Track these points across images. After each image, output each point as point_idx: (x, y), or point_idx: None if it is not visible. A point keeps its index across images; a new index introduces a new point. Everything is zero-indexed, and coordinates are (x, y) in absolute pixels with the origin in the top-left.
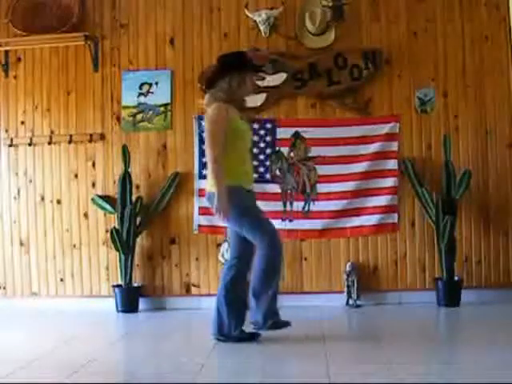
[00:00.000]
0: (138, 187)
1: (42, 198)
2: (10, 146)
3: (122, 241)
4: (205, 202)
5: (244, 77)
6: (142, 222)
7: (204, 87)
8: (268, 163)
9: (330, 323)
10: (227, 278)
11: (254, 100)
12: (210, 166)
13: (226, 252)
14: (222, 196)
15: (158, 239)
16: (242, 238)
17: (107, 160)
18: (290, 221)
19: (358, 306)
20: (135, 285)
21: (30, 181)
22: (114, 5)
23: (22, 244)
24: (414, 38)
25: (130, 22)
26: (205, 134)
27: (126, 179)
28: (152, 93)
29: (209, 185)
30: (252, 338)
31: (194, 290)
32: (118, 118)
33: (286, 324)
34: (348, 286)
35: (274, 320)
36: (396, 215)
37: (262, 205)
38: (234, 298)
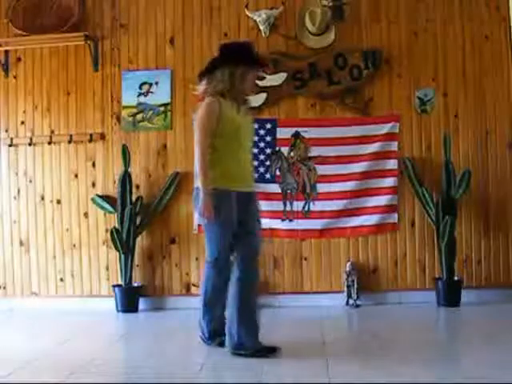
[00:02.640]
0: (138, 187)
1: (42, 198)
2: (10, 145)
3: (122, 241)
4: None
5: (247, 70)
6: (142, 222)
7: (201, 73)
8: (268, 163)
9: (330, 323)
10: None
11: (254, 100)
12: (196, 158)
13: None
14: (206, 193)
15: (158, 239)
16: (234, 236)
17: (107, 160)
18: (290, 221)
19: (357, 306)
20: (135, 285)
21: (30, 181)
22: (113, 5)
23: (21, 244)
24: (414, 37)
25: (130, 22)
26: (195, 126)
27: (125, 179)
28: (152, 93)
29: (196, 179)
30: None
31: (194, 289)
32: (118, 118)
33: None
34: (348, 286)
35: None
36: (396, 215)
37: (262, 205)
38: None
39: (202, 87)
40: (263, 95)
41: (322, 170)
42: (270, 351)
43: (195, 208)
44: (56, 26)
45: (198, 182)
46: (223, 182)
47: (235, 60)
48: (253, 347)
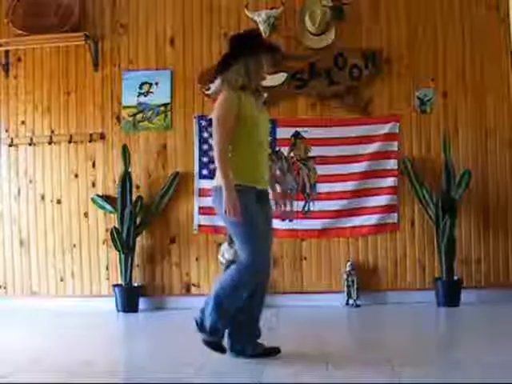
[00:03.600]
0: (138, 187)
1: (42, 198)
2: (11, 145)
3: (122, 240)
4: (204, 202)
5: (261, 59)
6: (141, 222)
7: (215, 71)
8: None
9: (330, 323)
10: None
11: None
12: (215, 156)
13: (225, 251)
14: (230, 189)
15: (158, 239)
16: None
17: (107, 160)
18: (290, 220)
19: (357, 306)
20: (135, 284)
21: (30, 180)
22: (114, 5)
23: (22, 244)
24: (414, 38)
25: (130, 22)
26: (212, 122)
27: (125, 179)
28: (152, 93)
29: (216, 179)
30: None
31: (193, 289)
32: (118, 118)
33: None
34: (348, 286)
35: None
36: (396, 215)
37: None
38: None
39: (215, 86)
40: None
41: (321, 170)
42: (270, 353)
43: (217, 209)
44: (56, 26)
45: (218, 181)
46: (244, 178)
47: (248, 51)
48: (253, 351)
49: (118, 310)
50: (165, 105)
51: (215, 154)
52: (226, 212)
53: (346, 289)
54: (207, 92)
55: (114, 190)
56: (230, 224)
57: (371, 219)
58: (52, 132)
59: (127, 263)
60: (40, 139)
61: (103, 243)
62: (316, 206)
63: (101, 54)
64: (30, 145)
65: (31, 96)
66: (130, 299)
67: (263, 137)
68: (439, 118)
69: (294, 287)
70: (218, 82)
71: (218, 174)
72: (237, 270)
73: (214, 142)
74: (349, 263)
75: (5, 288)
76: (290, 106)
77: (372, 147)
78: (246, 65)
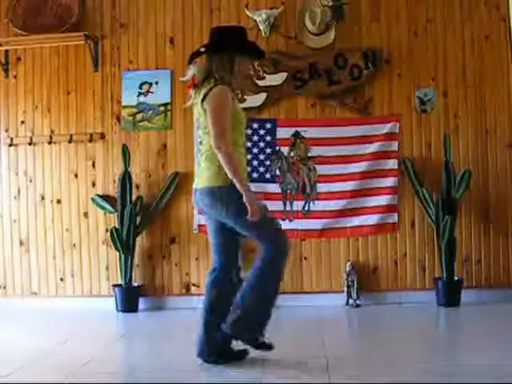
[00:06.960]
0: (138, 187)
1: (42, 198)
2: (10, 145)
3: (122, 240)
4: None
5: (247, 61)
6: (141, 222)
7: (193, 55)
8: (268, 163)
9: (330, 323)
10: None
11: (254, 100)
12: (222, 157)
13: None
14: (247, 189)
15: (158, 239)
16: (226, 242)
17: (107, 160)
18: (290, 220)
19: (357, 306)
20: (135, 284)
21: (30, 180)
22: (113, 5)
23: (21, 244)
24: (414, 38)
25: (130, 22)
26: (211, 120)
27: (125, 179)
28: (152, 92)
29: (207, 179)
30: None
31: (193, 289)
32: (118, 118)
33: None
34: (348, 286)
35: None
36: (396, 215)
37: None
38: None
39: (190, 72)
40: (263, 95)
41: (321, 169)
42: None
43: (218, 210)
44: (56, 26)
45: (211, 181)
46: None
47: (233, 46)
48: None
49: (118, 310)
50: (165, 105)
51: (222, 153)
52: (252, 214)
53: (346, 289)
54: (183, 79)
55: (113, 190)
56: (234, 221)
57: (371, 219)
58: (52, 132)
59: (127, 263)
60: (40, 139)
61: (103, 243)
62: (316, 205)
63: (101, 53)
64: (29, 145)
65: (31, 96)
66: (129, 299)
67: (244, 134)
68: (439, 118)
69: (294, 287)
70: (193, 67)
71: (232, 176)
72: (269, 261)
73: (218, 139)
74: (349, 263)
75: (5, 288)
76: (290, 105)
77: (372, 147)
78: (232, 62)
